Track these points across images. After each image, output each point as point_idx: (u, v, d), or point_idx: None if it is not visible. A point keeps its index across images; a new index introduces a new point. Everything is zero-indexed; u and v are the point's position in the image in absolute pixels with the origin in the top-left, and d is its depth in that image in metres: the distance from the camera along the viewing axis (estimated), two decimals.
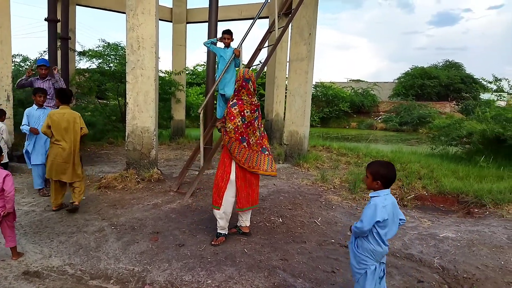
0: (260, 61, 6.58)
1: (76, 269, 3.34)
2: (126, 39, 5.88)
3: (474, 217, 5.46)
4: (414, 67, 33.86)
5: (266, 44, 7.13)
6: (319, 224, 4.63)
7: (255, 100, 3.93)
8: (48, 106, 5.85)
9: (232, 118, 3.78)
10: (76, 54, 11.06)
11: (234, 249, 3.82)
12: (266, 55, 7.34)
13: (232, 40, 5.95)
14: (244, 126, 3.79)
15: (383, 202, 2.45)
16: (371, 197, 2.54)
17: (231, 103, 3.85)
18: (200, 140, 5.87)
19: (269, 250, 3.83)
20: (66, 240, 3.91)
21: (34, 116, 5.48)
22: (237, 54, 5.77)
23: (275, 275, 3.34)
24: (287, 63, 10.87)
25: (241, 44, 6.00)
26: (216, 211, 3.92)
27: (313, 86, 29.67)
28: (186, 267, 3.40)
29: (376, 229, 2.48)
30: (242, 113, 3.77)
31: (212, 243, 3.88)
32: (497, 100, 13.88)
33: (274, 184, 6.14)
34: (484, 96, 29.55)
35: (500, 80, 10.52)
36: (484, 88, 32.74)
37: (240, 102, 3.81)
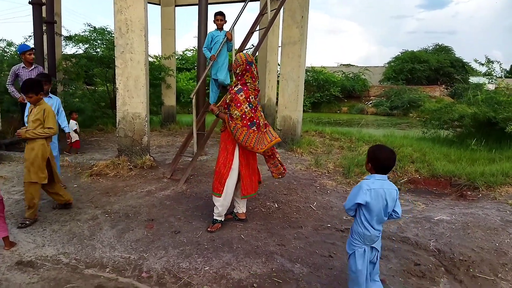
0: (252, 45, 6.47)
1: (71, 258, 3.28)
2: (114, 22, 5.71)
3: (467, 200, 5.50)
4: (404, 51, 33.85)
5: (258, 28, 6.99)
6: (314, 209, 4.61)
7: (257, 85, 3.87)
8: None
9: (238, 105, 3.68)
10: (62, 39, 10.77)
11: (230, 235, 3.79)
12: (258, 39, 7.22)
13: (225, 22, 5.81)
14: (252, 111, 3.72)
15: (369, 185, 2.44)
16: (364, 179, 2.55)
17: (236, 89, 3.72)
18: (193, 126, 5.78)
19: (266, 235, 3.81)
20: (59, 229, 3.84)
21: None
22: (229, 38, 5.64)
23: (273, 261, 3.32)
24: (279, 47, 10.75)
25: (233, 27, 5.87)
26: (216, 198, 3.86)
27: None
28: (183, 254, 3.36)
29: (363, 211, 2.49)
30: (248, 99, 3.70)
31: (208, 229, 3.85)
32: (488, 83, 13.95)
33: (268, 170, 6.09)
34: (474, 79, 29.86)
35: (492, 62, 10.53)
36: (473, 71, 33.09)
37: (245, 88, 3.71)
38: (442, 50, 34.78)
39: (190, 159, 5.79)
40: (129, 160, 5.81)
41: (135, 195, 4.83)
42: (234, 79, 3.90)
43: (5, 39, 10.12)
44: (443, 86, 31.29)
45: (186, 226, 3.95)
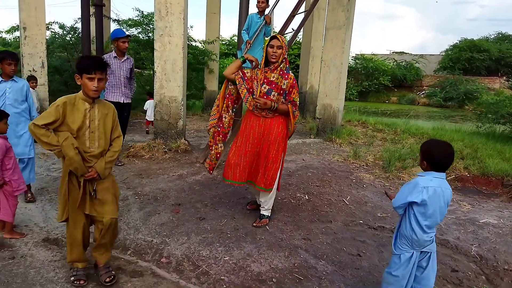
0: (292, 29, 6.23)
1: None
2: (154, 5, 5.70)
3: None
4: (463, 39, 31.66)
5: (301, 10, 6.72)
6: (347, 203, 4.39)
7: None
8: (124, 95, 5.14)
9: (298, 91, 3.47)
10: (111, 21, 11.07)
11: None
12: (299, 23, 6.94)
13: (268, 6, 5.60)
14: None
15: (426, 182, 2.17)
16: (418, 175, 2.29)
17: (291, 74, 3.43)
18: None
19: (292, 228, 3.66)
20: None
21: None
22: (267, 21, 5.45)
23: (296, 255, 3.18)
24: (324, 32, 10.38)
25: (273, 10, 5.66)
26: (274, 193, 3.68)
27: (352, 58, 28.61)
28: (204, 242, 3.30)
29: (414, 212, 2.22)
30: None
31: (254, 224, 3.67)
32: None
33: (303, 160, 5.91)
34: None
35: None
36: None
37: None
38: (506, 39, 32.11)
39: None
40: (164, 143, 5.86)
41: (166, 179, 4.84)
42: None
43: (57, 22, 10.54)
44: (504, 77, 28.97)
45: (212, 213, 3.90)
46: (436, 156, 2.17)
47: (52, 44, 10.00)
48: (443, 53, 32.26)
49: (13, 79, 3.85)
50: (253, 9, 6.20)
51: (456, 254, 3.44)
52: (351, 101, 23.40)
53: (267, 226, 3.64)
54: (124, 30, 11.54)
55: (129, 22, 11.32)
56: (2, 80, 3.78)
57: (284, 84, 3.36)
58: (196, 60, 11.44)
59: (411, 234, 2.23)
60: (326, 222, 3.86)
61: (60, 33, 10.85)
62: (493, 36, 32.90)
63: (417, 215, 2.20)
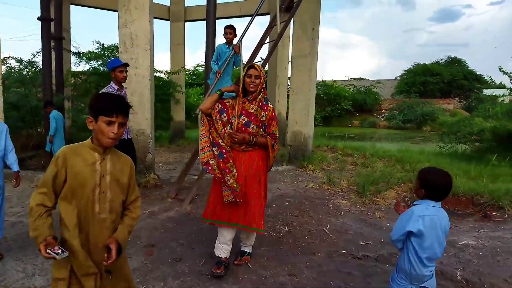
0: (261, 58, 6.23)
1: None
2: (118, 37, 5.54)
3: (493, 221, 5.10)
4: (416, 64, 33.44)
5: (268, 40, 6.78)
6: (328, 232, 4.28)
7: None
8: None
9: (277, 123, 3.31)
10: (72, 55, 10.76)
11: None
12: (267, 52, 6.98)
13: (235, 36, 5.57)
14: None
15: (421, 211, 2.10)
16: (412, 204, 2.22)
17: (271, 106, 3.28)
18: (198, 141, 5.52)
19: (275, 264, 3.49)
20: None
21: None
22: (236, 51, 5.42)
23: None
24: (289, 61, 10.54)
25: (241, 40, 5.66)
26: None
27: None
28: (183, 286, 3.06)
29: (412, 244, 2.13)
30: None
31: (235, 262, 3.45)
32: (503, 95, 13.51)
33: (278, 188, 5.79)
34: (487, 92, 29.25)
35: None
36: (487, 84, 32.46)
37: None
38: (455, 63, 34.25)
39: (196, 177, 5.52)
40: None
41: None
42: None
43: (14, 56, 10.11)
44: (457, 99, 30.70)
45: (189, 253, 3.65)
46: (437, 186, 2.11)
47: (8, 79, 9.53)
48: (399, 78, 33.86)
49: None
50: (220, 39, 6.20)
51: (442, 280, 3.38)
52: (316, 126, 23.60)
53: (249, 264, 3.45)
54: (84, 63, 11.30)
55: (89, 54, 11.08)
56: None
57: (263, 116, 3.19)
58: (161, 91, 11.26)
59: (409, 268, 2.13)
60: (309, 254, 3.72)
61: (17, 68, 10.40)
62: (443, 60, 34.96)
63: (415, 247, 2.11)
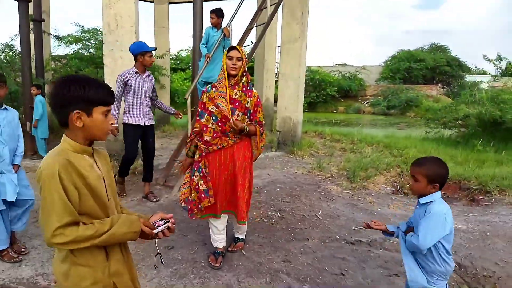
0: (251, 41, 6.10)
1: (50, 280, 2.90)
2: (102, 18, 5.32)
3: (480, 205, 5.18)
4: (400, 50, 33.61)
5: (256, 24, 6.63)
6: (320, 218, 4.26)
7: None
8: (146, 116, 4.48)
9: (262, 109, 3.14)
10: (52, 38, 10.37)
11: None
12: (255, 36, 6.86)
13: (220, 20, 5.40)
14: None
15: (442, 207, 1.99)
16: (422, 203, 2.07)
17: (255, 91, 3.08)
18: (188, 128, 5.41)
19: (269, 250, 3.45)
20: (39, 245, 3.45)
21: None
22: (226, 34, 5.27)
23: (278, 281, 2.96)
24: (277, 46, 10.41)
25: (230, 23, 5.51)
26: (245, 226, 3.52)
27: None
28: (176, 274, 2.99)
29: (442, 244, 2.00)
30: None
31: (229, 249, 3.40)
32: (488, 81, 13.70)
33: (269, 174, 5.74)
34: (469, 78, 29.70)
35: (502, 59, 10.22)
36: (470, 70, 32.95)
37: None
38: (438, 49, 34.57)
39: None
40: (118, 165, 5.41)
41: (125, 205, 4.43)
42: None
43: None
44: (439, 85, 31.08)
45: (181, 241, 3.58)
46: (446, 175, 2.04)
47: None
48: (383, 64, 34.01)
49: (5, 108, 3.16)
50: (206, 24, 6.03)
51: None
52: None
53: (243, 250, 3.40)
54: (64, 46, 10.92)
55: (68, 38, 10.72)
56: None
57: (248, 102, 3.00)
58: None
59: (445, 266, 2.03)
60: (303, 240, 3.69)
61: None
62: (427, 46, 35.24)
63: (444, 244, 2.00)
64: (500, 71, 13.55)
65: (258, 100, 3.07)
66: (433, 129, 10.09)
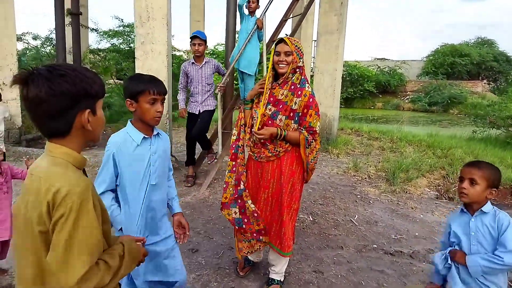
0: (286, 34, 5.81)
1: None
2: (134, 10, 5.21)
3: None
4: (444, 44, 32.00)
5: (292, 15, 6.33)
6: (356, 223, 3.94)
7: None
8: (201, 104, 4.87)
9: (319, 114, 2.53)
10: (90, 31, 10.52)
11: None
12: (291, 27, 6.55)
13: (258, 6, 5.13)
14: None
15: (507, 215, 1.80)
16: (485, 212, 1.83)
17: (310, 90, 2.48)
18: (218, 123, 5.23)
19: (300, 258, 3.19)
20: None
21: None
22: (259, 26, 5.00)
23: None
24: (313, 41, 10.04)
25: (264, 13, 5.23)
26: (287, 258, 2.79)
27: None
28: (200, 281, 2.80)
29: None
30: None
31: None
32: None
33: None
34: None
35: None
36: None
37: None
38: (485, 44, 32.67)
39: (215, 160, 5.23)
40: None
41: None
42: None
43: (31, 32, 9.93)
44: (485, 81, 29.36)
45: (206, 243, 3.39)
46: (500, 179, 1.79)
47: (24, 56, 9.38)
48: (425, 59, 32.53)
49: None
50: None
51: None
52: None
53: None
54: (105, 41, 11.04)
55: (109, 32, 10.84)
56: None
57: (295, 103, 2.42)
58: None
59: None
60: (337, 249, 3.40)
61: (34, 45, 10.25)
62: (473, 40, 33.41)
63: None
64: None
65: (311, 100, 2.43)
66: (480, 128, 9.38)
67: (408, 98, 26.78)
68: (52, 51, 10.53)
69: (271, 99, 2.46)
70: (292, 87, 2.46)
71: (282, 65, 2.42)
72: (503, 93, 16.40)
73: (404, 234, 3.76)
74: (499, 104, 9.27)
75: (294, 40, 2.48)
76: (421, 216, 4.30)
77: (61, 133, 1.12)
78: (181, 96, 5.04)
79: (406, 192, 5.04)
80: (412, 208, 4.52)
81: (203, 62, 4.80)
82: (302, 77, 2.49)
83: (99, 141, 1.26)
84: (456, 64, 29.25)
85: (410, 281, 2.94)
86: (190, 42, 4.79)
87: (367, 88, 26.45)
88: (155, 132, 1.94)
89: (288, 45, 2.41)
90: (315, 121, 2.45)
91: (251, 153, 2.58)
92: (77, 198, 1.03)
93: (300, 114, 2.45)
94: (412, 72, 30.60)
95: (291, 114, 2.44)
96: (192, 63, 4.81)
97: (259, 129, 2.46)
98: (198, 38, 4.70)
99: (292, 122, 2.45)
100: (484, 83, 28.71)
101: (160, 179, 1.95)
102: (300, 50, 2.48)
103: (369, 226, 3.90)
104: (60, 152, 1.12)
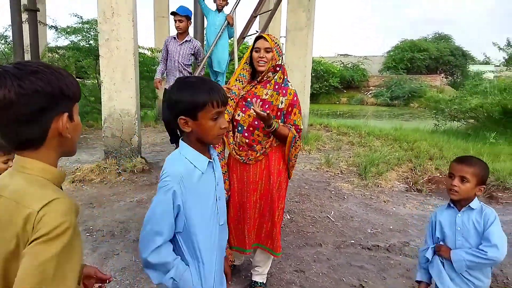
0: (256, 31, 5.77)
1: None
2: (97, 6, 4.98)
3: (500, 203, 4.89)
4: (403, 40, 33.12)
5: (260, 12, 6.29)
6: (332, 219, 3.97)
7: None
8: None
9: (301, 112, 2.49)
10: (48, 28, 10.01)
11: (239, 259, 3.13)
12: (259, 24, 6.51)
13: (227, 3, 5.04)
14: None
15: (490, 209, 1.85)
16: (472, 208, 1.85)
17: (293, 88, 2.49)
18: None
19: (281, 258, 3.14)
20: None
21: None
22: (230, 22, 4.92)
23: None
24: (281, 37, 10.03)
25: (235, 9, 5.16)
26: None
27: None
28: None
29: None
30: None
31: None
32: (499, 71, 13.34)
33: None
34: (473, 68, 29.28)
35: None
36: (473, 60, 32.49)
37: None
38: (442, 39, 34.14)
39: None
40: (117, 163, 5.12)
41: (123, 206, 4.15)
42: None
43: None
44: (443, 75, 30.68)
45: None
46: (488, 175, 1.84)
47: None
48: (386, 54, 33.53)
49: None
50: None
51: None
52: None
53: (251, 258, 3.11)
54: (63, 38, 10.55)
55: (68, 29, 10.36)
56: None
57: (281, 102, 2.40)
58: (145, 68, 10.64)
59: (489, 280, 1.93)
60: (316, 246, 3.41)
61: None
62: (431, 36, 34.78)
63: None
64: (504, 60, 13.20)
65: (295, 99, 2.43)
66: (441, 121, 9.76)
67: (371, 93, 27.52)
68: (6, 49, 9.95)
69: (254, 99, 2.36)
70: (276, 86, 2.42)
71: (262, 62, 2.37)
72: (460, 86, 17.20)
73: (379, 228, 3.83)
74: (460, 98, 9.68)
75: (274, 37, 2.44)
76: (394, 209, 4.39)
77: (34, 144, 0.96)
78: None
79: (378, 186, 5.14)
80: (385, 202, 4.61)
81: (184, 40, 4.81)
82: (285, 77, 2.48)
83: (75, 153, 1.11)
84: (415, 59, 30.37)
85: (389, 275, 2.98)
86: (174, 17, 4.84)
87: (332, 83, 26.93)
88: (212, 153, 1.51)
89: (268, 41, 2.36)
90: (299, 119, 2.44)
91: (238, 157, 2.47)
92: (67, 225, 0.87)
93: (285, 112, 2.44)
94: (374, 68, 31.47)
95: (278, 113, 2.42)
96: (174, 38, 4.88)
97: (249, 129, 2.41)
98: (178, 14, 4.71)
99: (279, 122, 2.41)
100: (442, 77, 30.00)
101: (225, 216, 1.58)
102: (280, 47, 2.45)
103: (345, 222, 3.93)
104: (38, 168, 0.95)
